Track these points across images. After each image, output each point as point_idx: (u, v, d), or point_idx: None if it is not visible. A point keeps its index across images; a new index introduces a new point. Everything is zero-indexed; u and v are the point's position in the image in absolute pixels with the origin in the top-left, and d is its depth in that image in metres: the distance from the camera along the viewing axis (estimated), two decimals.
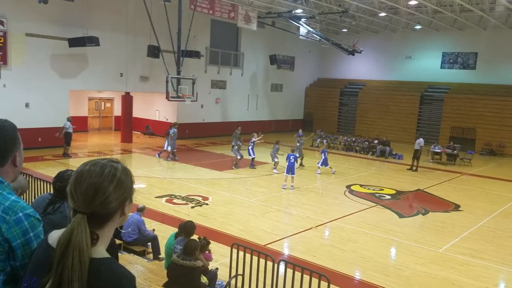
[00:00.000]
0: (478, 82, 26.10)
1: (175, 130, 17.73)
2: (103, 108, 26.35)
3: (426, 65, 28.09)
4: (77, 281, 1.33)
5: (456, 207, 12.76)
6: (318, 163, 16.74)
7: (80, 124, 22.68)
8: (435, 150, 20.82)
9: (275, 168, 16.65)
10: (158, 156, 18.08)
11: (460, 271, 8.02)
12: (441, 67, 27.64)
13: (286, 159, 14.10)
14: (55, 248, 1.40)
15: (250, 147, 17.11)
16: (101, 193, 1.43)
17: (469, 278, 7.73)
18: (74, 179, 1.47)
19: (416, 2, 21.00)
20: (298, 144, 17.57)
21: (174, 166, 16.95)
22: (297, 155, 14.74)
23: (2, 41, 16.59)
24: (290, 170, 13.77)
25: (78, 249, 1.35)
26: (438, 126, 26.85)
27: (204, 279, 5.69)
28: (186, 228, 6.16)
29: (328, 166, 16.63)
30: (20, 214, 1.79)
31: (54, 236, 1.52)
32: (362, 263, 8.23)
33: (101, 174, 1.46)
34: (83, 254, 1.36)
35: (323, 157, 16.53)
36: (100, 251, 1.45)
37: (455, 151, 20.57)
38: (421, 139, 18.46)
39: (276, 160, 16.79)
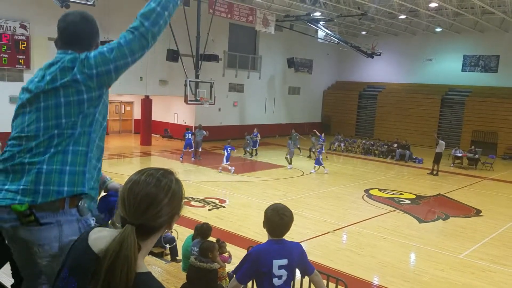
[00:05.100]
0: (500, 85, 25.59)
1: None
2: (123, 112, 26.73)
3: (447, 68, 27.66)
4: None
5: (477, 212, 12.51)
6: (319, 164, 17.15)
7: None
8: (456, 154, 20.48)
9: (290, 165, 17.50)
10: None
11: (481, 278, 7.86)
12: (462, 70, 27.19)
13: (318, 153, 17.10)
14: (103, 258, 1.34)
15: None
16: (154, 205, 1.39)
17: (490, 285, 7.57)
18: (129, 188, 1.42)
19: (437, 5, 20.74)
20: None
21: (192, 169, 17.07)
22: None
23: (25, 45, 17.00)
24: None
25: (126, 263, 1.31)
26: (459, 130, 26.40)
27: (226, 282, 5.71)
28: (202, 230, 6.20)
29: (321, 164, 17.09)
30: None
31: (97, 241, 1.46)
32: (380, 268, 8.14)
33: (158, 185, 1.42)
34: (131, 268, 1.32)
35: (319, 156, 17.21)
36: (140, 264, 1.39)
37: (476, 155, 20.19)
38: (442, 142, 18.16)
39: (292, 149, 17.73)
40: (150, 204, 1.39)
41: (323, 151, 20.31)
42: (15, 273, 3.30)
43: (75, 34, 2.12)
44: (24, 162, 1.94)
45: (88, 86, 1.99)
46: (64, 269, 1.51)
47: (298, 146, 20.75)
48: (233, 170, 16.20)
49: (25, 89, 2.07)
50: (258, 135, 20.69)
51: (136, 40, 2.06)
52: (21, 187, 1.92)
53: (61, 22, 2.13)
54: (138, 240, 1.38)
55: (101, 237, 1.45)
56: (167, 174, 1.48)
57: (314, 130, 21.54)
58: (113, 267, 1.30)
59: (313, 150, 20.03)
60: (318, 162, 17.00)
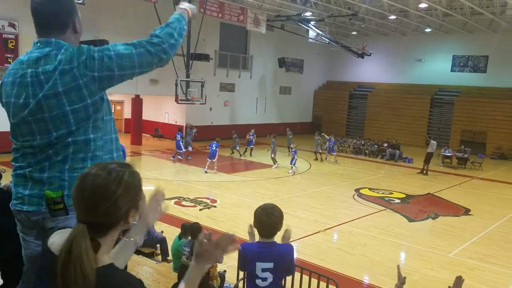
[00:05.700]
0: (489, 86, 25.87)
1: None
2: (113, 111, 26.45)
3: (437, 68, 27.90)
4: None
5: (466, 211, 12.64)
6: (290, 163, 16.85)
7: None
8: (446, 154, 20.65)
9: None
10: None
11: (470, 276, 7.93)
12: (452, 70, 27.44)
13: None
14: (58, 259, 1.30)
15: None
16: (106, 199, 1.33)
17: (480, 283, 7.65)
18: (79, 183, 1.36)
19: (426, 5, 20.88)
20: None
21: (183, 169, 17.01)
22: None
23: (13, 44, 16.81)
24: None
25: (79, 261, 1.27)
26: (449, 130, 26.65)
27: (218, 282, 5.70)
28: (192, 230, 6.19)
29: (293, 164, 16.78)
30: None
31: (54, 244, 1.42)
32: (371, 267, 8.18)
33: (108, 178, 1.35)
34: (84, 266, 1.27)
35: (294, 157, 16.81)
36: (102, 259, 1.36)
37: (465, 155, 20.38)
38: (434, 142, 18.30)
39: (274, 148, 17.78)
40: (101, 198, 1.32)
41: (334, 153, 20.34)
42: (3, 275, 3.25)
43: (49, 13, 2.01)
44: (45, 167, 1.99)
45: (91, 90, 1.93)
46: (36, 277, 1.50)
47: (292, 146, 20.64)
48: (206, 170, 16.03)
49: (22, 97, 1.96)
50: (254, 135, 20.95)
51: (149, 56, 2.02)
52: (46, 187, 1.98)
53: (32, 3, 2.05)
54: (96, 237, 1.34)
55: (58, 239, 1.42)
56: (121, 166, 1.41)
57: (323, 134, 21.56)
58: (66, 267, 1.27)
59: (320, 151, 20.15)
60: (293, 162, 16.75)
